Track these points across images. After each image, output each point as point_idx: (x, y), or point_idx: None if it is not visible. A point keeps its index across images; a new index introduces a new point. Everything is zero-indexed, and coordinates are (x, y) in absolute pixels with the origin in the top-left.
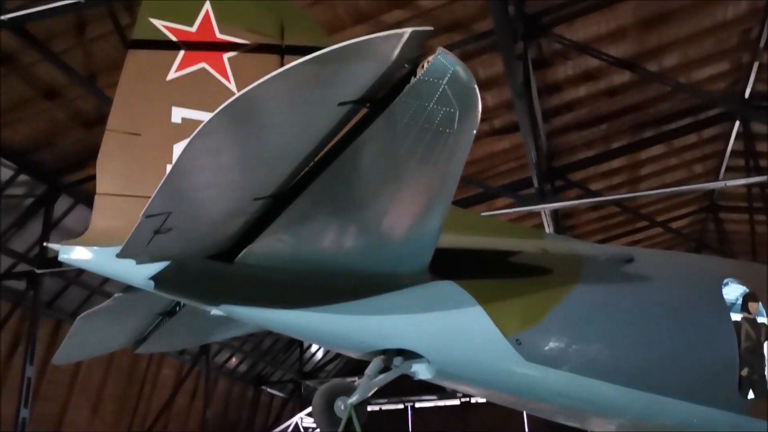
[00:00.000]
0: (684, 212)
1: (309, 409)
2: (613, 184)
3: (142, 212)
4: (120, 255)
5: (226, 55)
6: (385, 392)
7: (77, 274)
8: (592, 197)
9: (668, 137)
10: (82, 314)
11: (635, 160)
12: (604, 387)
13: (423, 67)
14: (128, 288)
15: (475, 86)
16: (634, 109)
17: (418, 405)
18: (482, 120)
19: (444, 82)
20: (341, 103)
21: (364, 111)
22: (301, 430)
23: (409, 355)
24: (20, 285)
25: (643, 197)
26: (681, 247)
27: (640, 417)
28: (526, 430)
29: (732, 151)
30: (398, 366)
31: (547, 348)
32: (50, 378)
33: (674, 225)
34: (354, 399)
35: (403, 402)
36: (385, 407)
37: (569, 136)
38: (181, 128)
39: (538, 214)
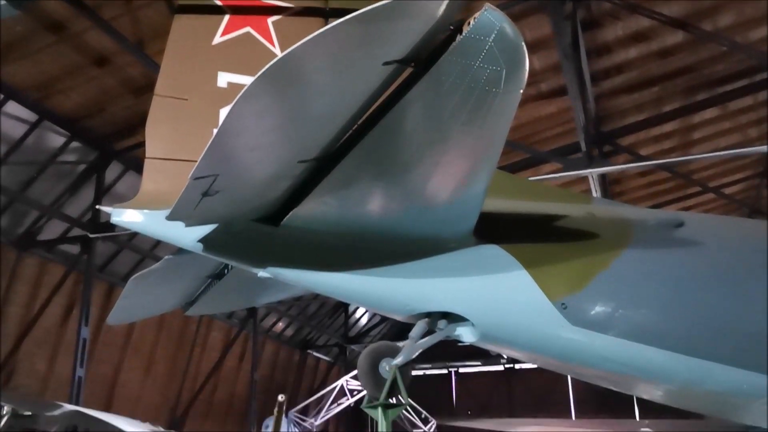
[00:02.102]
0: (738, 177)
1: (354, 373)
2: (664, 148)
3: (190, 175)
4: (169, 217)
5: (271, 19)
6: (430, 357)
7: (129, 239)
8: (642, 161)
9: (722, 100)
10: (134, 276)
11: (688, 123)
12: (652, 352)
13: (469, 24)
14: (178, 251)
15: (523, 43)
16: (687, 71)
17: (462, 370)
18: (529, 84)
19: (490, 40)
20: (385, 63)
21: (408, 71)
22: (347, 392)
23: (454, 319)
24: (74, 249)
25: (694, 162)
26: (734, 213)
27: (687, 383)
28: (571, 396)
29: None
30: (442, 329)
31: (593, 313)
32: (104, 340)
33: (727, 191)
34: (399, 360)
35: (447, 367)
36: (429, 372)
37: (619, 99)
38: (227, 92)
39: (585, 179)
